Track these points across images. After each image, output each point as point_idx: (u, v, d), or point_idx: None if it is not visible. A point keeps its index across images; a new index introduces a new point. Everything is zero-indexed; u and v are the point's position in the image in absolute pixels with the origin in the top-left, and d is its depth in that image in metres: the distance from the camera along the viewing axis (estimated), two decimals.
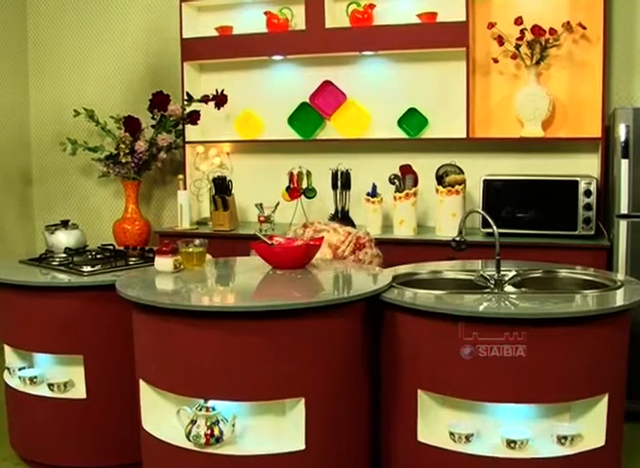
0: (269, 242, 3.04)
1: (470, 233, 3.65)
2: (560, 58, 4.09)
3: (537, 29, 3.98)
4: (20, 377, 3.17)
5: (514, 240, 3.74)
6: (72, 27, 5.19)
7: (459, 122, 4.18)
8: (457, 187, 4.03)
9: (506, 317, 2.43)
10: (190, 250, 2.97)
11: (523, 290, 2.74)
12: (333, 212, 4.32)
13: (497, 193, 3.93)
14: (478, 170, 4.14)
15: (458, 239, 2.94)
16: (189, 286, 2.81)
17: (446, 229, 4.01)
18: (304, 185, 4.40)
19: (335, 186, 4.29)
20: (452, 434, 2.53)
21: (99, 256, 3.34)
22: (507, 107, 4.19)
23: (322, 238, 3.15)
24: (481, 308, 2.50)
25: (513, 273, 2.83)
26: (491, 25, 4.09)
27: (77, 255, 3.34)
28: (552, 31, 3.99)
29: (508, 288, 2.75)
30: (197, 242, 3.01)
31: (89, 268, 3.10)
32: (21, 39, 5.30)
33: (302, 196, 4.40)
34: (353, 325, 2.61)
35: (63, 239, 3.52)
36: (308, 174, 4.39)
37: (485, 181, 3.95)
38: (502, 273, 2.78)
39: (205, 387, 2.50)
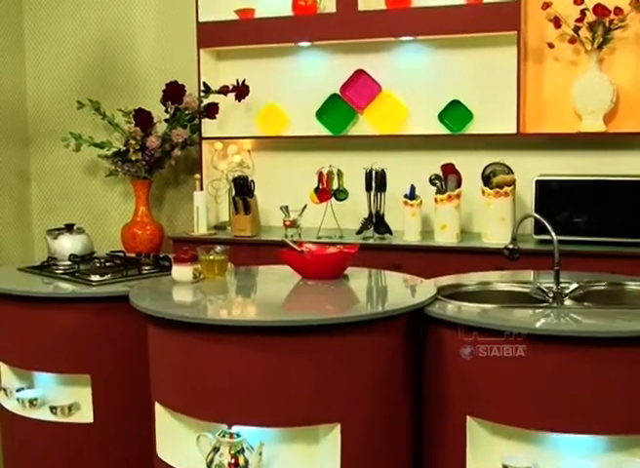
0: (299, 249, 3.03)
1: (520, 240, 3.61)
2: (626, 42, 4.05)
3: (600, 9, 3.94)
4: (18, 399, 3.15)
5: (572, 248, 3.70)
6: (73, 10, 5.22)
7: (508, 115, 4.14)
8: (505, 189, 4.00)
9: (569, 335, 2.39)
10: (211, 257, 2.97)
11: (586, 304, 2.70)
12: (366, 216, 4.30)
13: (551, 195, 3.89)
14: (530, 169, 4.10)
15: (511, 247, 2.91)
16: (211, 297, 2.80)
17: (493, 236, 3.98)
18: (335, 186, 4.38)
19: (369, 187, 4.27)
20: (505, 467, 2.50)
21: (108, 264, 3.33)
22: (564, 98, 4.15)
23: (357, 245, 3.13)
24: (538, 324, 2.47)
25: (574, 285, 2.79)
26: (546, 5, 4.05)
27: (83, 263, 3.34)
28: (618, 11, 3.94)
29: (569, 302, 2.71)
30: (218, 249, 3.00)
31: (97, 277, 3.10)
32: (17, 21, 5.33)
33: (333, 198, 4.39)
34: (394, 342, 2.58)
35: (68, 245, 3.52)
36: (339, 173, 4.37)
37: (538, 182, 3.91)
38: (562, 285, 2.74)
39: (229, 411, 2.49)
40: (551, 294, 2.73)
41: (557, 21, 4.05)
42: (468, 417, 2.54)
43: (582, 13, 3.98)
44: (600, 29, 3.96)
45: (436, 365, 2.64)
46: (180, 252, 2.96)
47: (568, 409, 2.40)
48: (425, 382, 2.70)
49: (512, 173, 4.08)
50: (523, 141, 4.24)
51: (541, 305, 2.71)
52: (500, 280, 3.11)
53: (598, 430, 2.43)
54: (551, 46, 4.11)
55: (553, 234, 2.76)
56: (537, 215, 3.05)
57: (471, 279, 3.12)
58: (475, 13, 4.11)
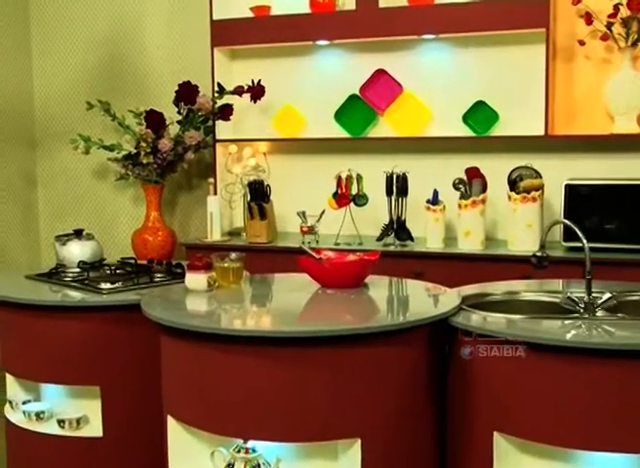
0: (317, 256, 3.03)
1: (548, 247, 3.60)
2: None
3: (634, 4, 3.92)
4: (24, 412, 3.17)
5: (603, 255, 3.69)
6: (81, 6, 5.26)
7: (536, 117, 4.15)
8: (533, 194, 3.99)
9: (601, 348, 2.37)
10: (226, 265, 2.97)
11: (619, 315, 2.68)
12: (387, 222, 4.30)
13: (581, 200, 3.88)
14: (559, 173, 4.10)
15: (539, 254, 2.89)
16: (226, 306, 2.81)
17: (520, 243, 3.98)
18: (354, 191, 4.38)
19: (389, 192, 4.27)
20: None
21: (118, 272, 3.34)
22: (595, 98, 4.15)
23: (377, 252, 3.12)
24: (569, 336, 2.45)
25: (607, 295, 2.77)
26: (577, 1, 4.04)
27: (93, 270, 3.35)
28: None
29: (601, 313, 2.70)
30: (233, 256, 3.01)
31: (108, 285, 3.11)
32: (24, 17, 5.37)
33: (352, 203, 4.39)
34: (416, 354, 2.57)
35: (77, 251, 3.54)
36: (359, 177, 4.37)
37: (567, 187, 3.91)
38: (594, 295, 2.73)
39: (244, 425, 2.48)
40: (582, 305, 2.71)
41: (589, 17, 4.04)
42: (495, 433, 2.52)
43: (616, 8, 3.96)
44: (635, 25, 3.95)
45: (461, 377, 2.63)
46: (194, 259, 2.96)
47: (600, 425, 2.38)
48: (450, 395, 2.69)
49: (540, 177, 4.07)
50: (551, 144, 4.23)
51: (572, 316, 2.69)
52: (527, 289, 3.10)
53: (633, 448, 2.41)
54: (582, 43, 4.10)
55: (585, 241, 2.74)
56: (567, 222, 3.04)
57: (497, 288, 3.10)
58: (501, 9, 4.11)
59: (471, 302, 2.84)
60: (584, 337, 2.45)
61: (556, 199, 4.04)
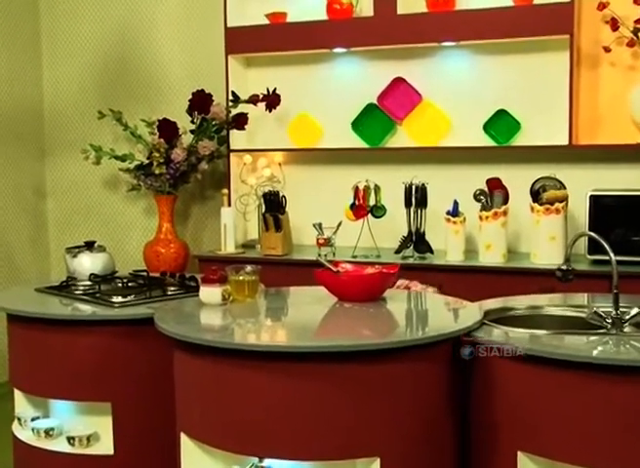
0: (334, 269, 3.02)
1: (573, 260, 3.59)
2: None
3: None
4: (33, 429, 3.16)
5: (630, 269, 3.67)
6: (92, 13, 5.29)
7: (559, 126, 4.14)
8: (557, 205, 3.97)
9: (630, 364, 2.35)
10: (241, 278, 2.97)
11: None
12: (405, 234, 4.29)
13: (606, 212, 3.87)
14: (583, 184, 4.08)
15: (564, 268, 2.88)
16: (241, 320, 2.81)
17: (543, 256, 3.97)
18: (372, 202, 4.38)
19: (408, 203, 4.26)
20: None
21: (130, 285, 3.35)
22: (621, 107, 4.14)
23: (397, 265, 3.11)
24: (596, 353, 2.44)
25: (636, 310, 2.75)
26: (602, 6, 4.04)
27: (105, 283, 3.36)
28: None
29: (629, 328, 2.67)
30: (249, 269, 3.01)
31: (120, 299, 3.11)
32: (34, 23, 5.41)
33: (369, 215, 4.38)
34: (437, 370, 2.56)
35: (88, 264, 3.56)
36: (377, 188, 4.37)
37: (592, 198, 3.90)
38: (622, 310, 2.70)
39: (260, 443, 2.47)
40: (610, 320, 2.69)
41: (614, 23, 4.04)
42: (520, 453, 2.50)
43: None
44: None
45: (484, 395, 2.60)
46: (209, 272, 2.96)
47: (630, 445, 2.36)
48: (472, 413, 2.67)
49: (564, 187, 4.06)
50: (576, 154, 4.22)
51: (599, 332, 2.67)
52: (551, 303, 3.08)
53: None
54: (607, 50, 4.09)
55: (612, 254, 2.72)
56: (593, 234, 3.02)
57: (520, 302, 3.09)
58: (524, 15, 4.10)
59: (493, 317, 2.83)
60: (612, 354, 2.44)
61: (580, 210, 4.02)
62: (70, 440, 3.06)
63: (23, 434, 3.20)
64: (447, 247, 4.18)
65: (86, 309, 3.09)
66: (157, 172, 4.66)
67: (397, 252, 4.31)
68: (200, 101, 4.62)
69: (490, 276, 3.97)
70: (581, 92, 4.19)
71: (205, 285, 2.93)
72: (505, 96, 4.37)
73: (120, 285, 3.34)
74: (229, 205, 4.66)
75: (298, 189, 4.76)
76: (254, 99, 4.62)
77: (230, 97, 4.65)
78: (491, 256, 4.08)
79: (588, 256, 3.88)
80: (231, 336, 2.63)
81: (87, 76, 5.34)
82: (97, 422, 3.08)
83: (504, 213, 4.08)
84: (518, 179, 4.18)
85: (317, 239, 4.35)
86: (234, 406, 2.48)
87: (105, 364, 2.99)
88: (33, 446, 3.13)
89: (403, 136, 4.60)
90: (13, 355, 3.24)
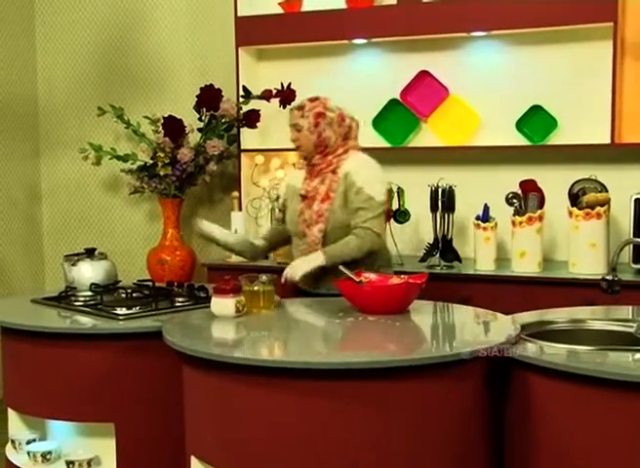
0: (357, 279, 3.01)
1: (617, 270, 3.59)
2: None
3: None
4: (28, 453, 3.16)
5: None
6: (91, 4, 5.30)
7: (600, 123, 4.13)
8: (597, 209, 3.96)
9: None
10: (256, 288, 2.98)
11: None
12: (431, 241, 4.28)
13: None
14: (627, 186, 4.07)
15: (609, 278, 2.87)
16: (256, 334, 2.81)
17: (582, 264, 3.97)
18: (395, 206, 4.38)
19: (434, 208, 4.26)
20: None
21: (135, 295, 3.35)
22: None
23: (424, 275, 3.10)
24: None
25: None
26: None
27: (107, 294, 3.37)
28: None
29: None
30: (264, 278, 3.02)
31: (124, 310, 3.11)
32: (28, 10, 5.43)
33: (392, 220, 4.37)
34: (469, 389, 2.56)
35: (89, 272, 3.57)
36: (400, 191, 4.37)
37: (637, 201, 3.90)
38: None
39: (275, 466, 2.47)
40: None
41: None
42: None
43: None
44: None
45: (521, 416, 2.59)
46: (222, 282, 2.96)
47: None
48: (508, 436, 2.66)
49: (606, 190, 4.05)
50: (618, 153, 4.21)
51: None
52: (593, 317, 3.07)
53: None
54: None
55: None
56: None
57: (559, 315, 3.08)
58: (562, 2, 4.08)
59: (530, 331, 2.82)
60: None
61: (624, 215, 4.02)
62: (70, 464, 3.06)
63: (18, 458, 3.20)
64: (476, 255, 4.17)
65: (87, 322, 3.09)
66: (162, 173, 4.67)
67: (422, 260, 4.30)
68: (208, 97, 4.63)
69: (523, 287, 3.96)
70: (625, 85, 4.18)
71: (217, 295, 2.94)
72: (541, 90, 4.36)
73: (124, 295, 3.35)
74: (240, 209, 4.67)
75: None
76: (266, 95, 4.63)
77: (241, 93, 4.66)
78: (525, 265, 4.07)
79: (633, 265, 3.88)
80: (245, 351, 2.62)
81: (86, 69, 5.36)
82: (98, 445, 3.08)
83: (540, 218, 4.07)
84: (555, 182, 4.18)
85: None
86: (249, 427, 2.48)
87: (108, 381, 2.99)
88: None
89: (428, 135, 4.60)
90: (7, 371, 3.24)
